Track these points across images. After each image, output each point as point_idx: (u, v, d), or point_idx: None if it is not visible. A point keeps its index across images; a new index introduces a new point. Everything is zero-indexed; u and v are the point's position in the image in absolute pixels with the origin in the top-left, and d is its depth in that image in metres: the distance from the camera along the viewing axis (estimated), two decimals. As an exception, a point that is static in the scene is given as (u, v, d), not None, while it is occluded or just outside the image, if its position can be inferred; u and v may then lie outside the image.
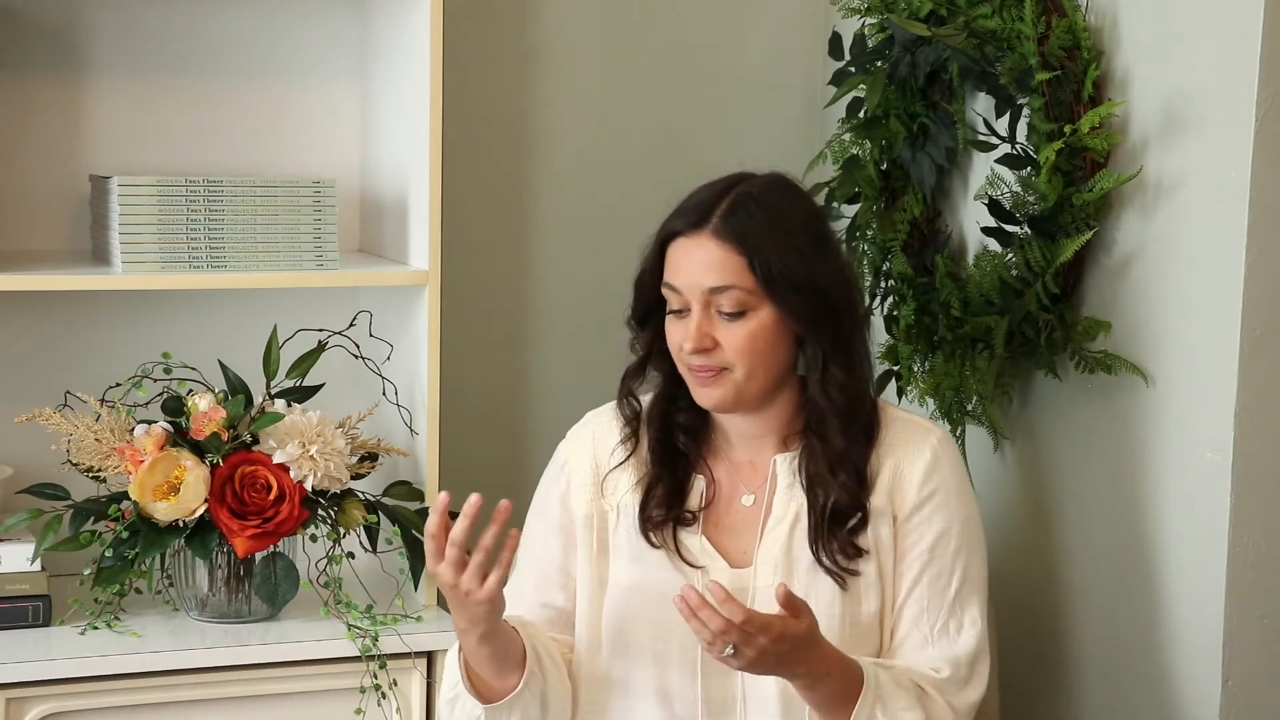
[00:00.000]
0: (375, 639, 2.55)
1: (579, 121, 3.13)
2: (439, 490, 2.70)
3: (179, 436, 2.57)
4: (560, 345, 3.14)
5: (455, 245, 2.95)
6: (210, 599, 2.61)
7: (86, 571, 2.55)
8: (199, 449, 2.55)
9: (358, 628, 2.57)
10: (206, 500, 2.52)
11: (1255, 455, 2.36)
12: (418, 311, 2.71)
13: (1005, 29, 2.59)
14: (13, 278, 2.55)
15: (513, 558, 2.15)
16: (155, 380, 2.62)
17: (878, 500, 2.26)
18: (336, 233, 2.68)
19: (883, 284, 2.86)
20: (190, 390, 2.62)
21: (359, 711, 2.56)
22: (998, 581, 2.64)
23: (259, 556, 2.60)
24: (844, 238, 2.84)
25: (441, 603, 2.70)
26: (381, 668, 2.56)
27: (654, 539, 2.29)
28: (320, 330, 2.73)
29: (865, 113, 2.82)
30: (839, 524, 2.25)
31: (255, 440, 2.58)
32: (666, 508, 2.29)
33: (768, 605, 2.23)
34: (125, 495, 2.54)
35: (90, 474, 2.58)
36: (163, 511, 2.52)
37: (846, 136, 2.92)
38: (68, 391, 2.63)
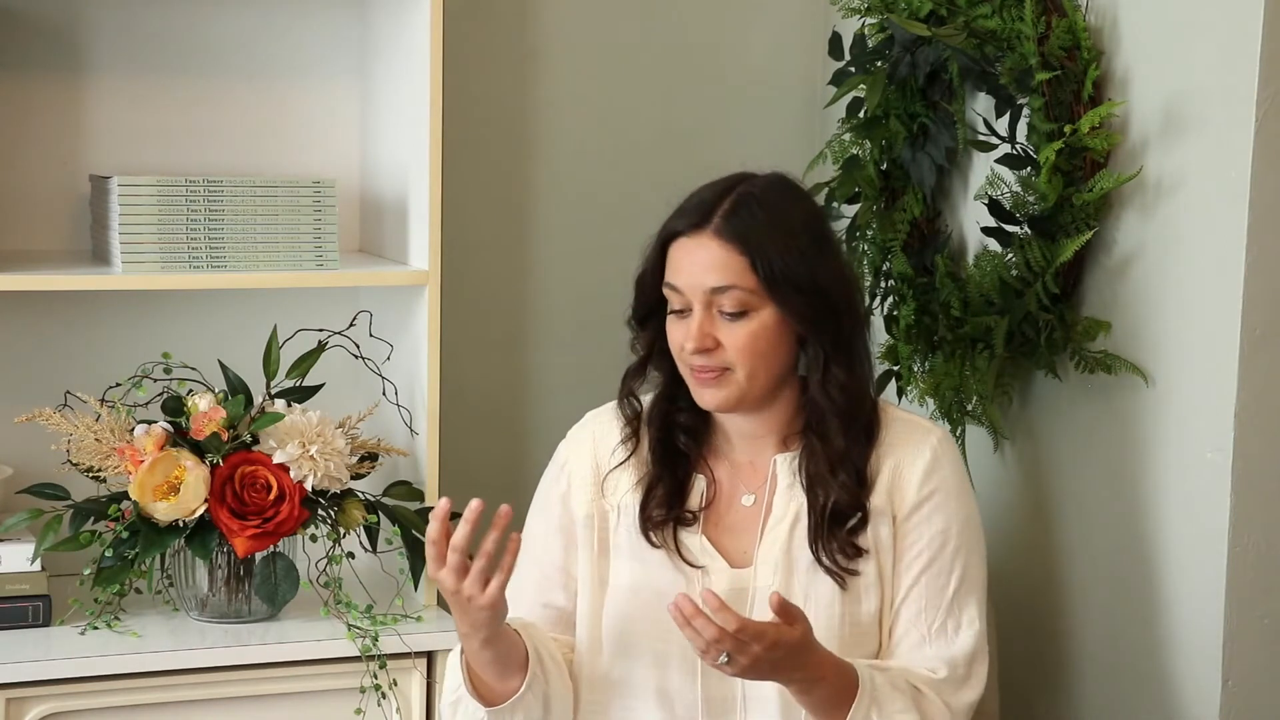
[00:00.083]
0: (375, 639, 2.55)
1: (579, 121, 3.13)
2: (439, 490, 2.71)
3: (179, 436, 2.57)
4: (560, 345, 3.14)
5: (455, 245, 2.95)
6: (210, 599, 2.61)
7: (86, 571, 2.55)
8: (199, 449, 2.55)
9: (358, 628, 2.57)
10: (206, 500, 2.52)
11: (1255, 455, 2.36)
12: (418, 311, 2.71)
13: (1005, 29, 2.59)
14: (13, 278, 2.55)
15: (514, 563, 2.14)
16: (155, 380, 2.62)
17: (877, 500, 2.26)
18: (336, 233, 2.68)
19: (883, 284, 2.86)
20: (190, 390, 2.62)
21: (359, 711, 2.56)
22: (998, 581, 2.64)
23: (259, 556, 2.59)
24: (844, 238, 2.84)
25: (442, 603, 2.70)
26: (381, 668, 2.56)
27: (654, 539, 2.29)
28: (320, 330, 2.73)
29: (865, 113, 2.82)
30: (839, 524, 2.25)
31: (255, 440, 2.58)
32: (667, 508, 2.29)
33: (767, 605, 2.23)
34: (125, 495, 2.54)
35: (90, 474, 2.58)
36: (163, 511, 2.52)
37: (846, 136, 2.92)
38: (68, 391, 2.63)
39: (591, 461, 2.36)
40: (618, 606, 2.30)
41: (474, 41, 3.03)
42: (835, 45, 2.91)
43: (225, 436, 2.55)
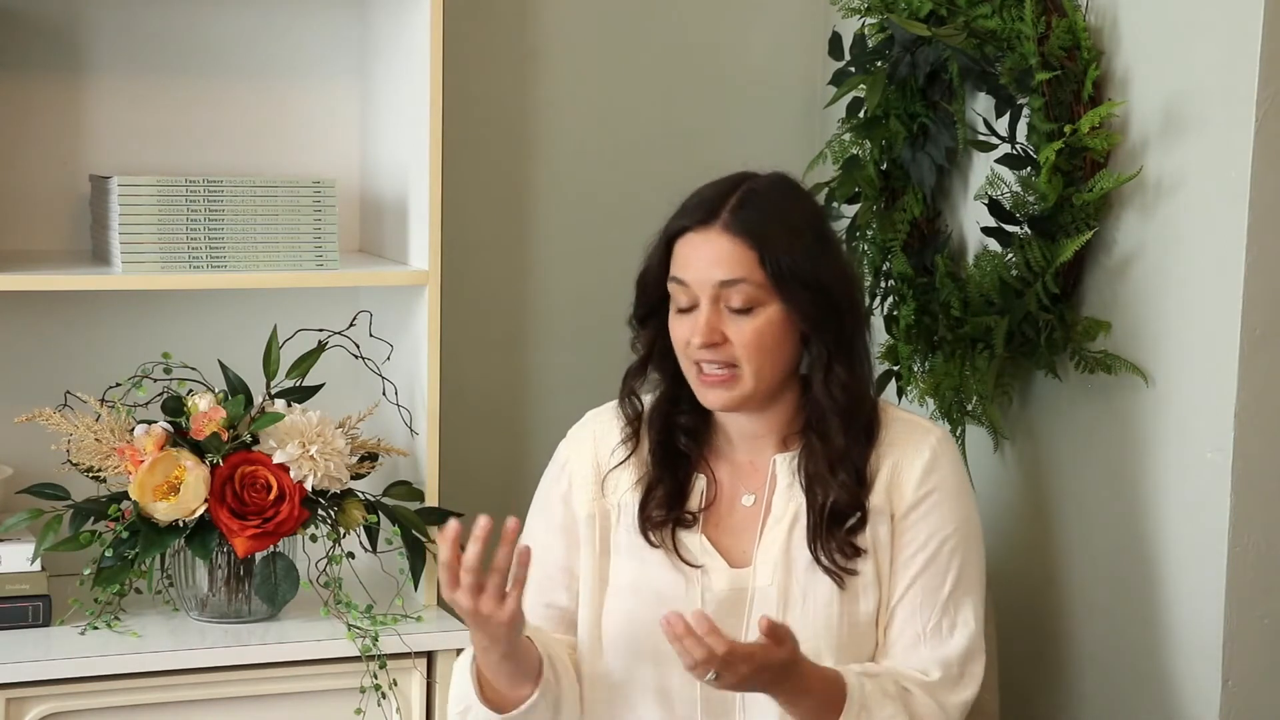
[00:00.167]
0: (375, 639, 2.55)
1: (579, 121, 3.13)
2: (439, 490, 2.71)
3: (179, 436, 2.57)
4: (560, 345, 3.14)
5: (455, 245, 2.95)
6: (210, 599, 2.61)
7: (86, 571, 2.55)
8: (199, 449, 2.55)
9: (358, 628, 2.57)
10: (206, 500, 2.52)
11: (1255, 455, 2.36)
12: (418, 311, 2.71)
13: (1005, 29, 2.59)
14: (13, 278, 2.55)
15: (526, 575, 2.13)
16: (155, 380, 2.62)
17: (876, 499, 2.26)
18: (336, 233, 2.68)
19: (883, 284, 2.86)
20: (190, 390, 2.62)
21: (359, 711, 2.56)
22: (998, 581, 2.64)
23: (259, 556, 2.59)
24: (844, 238, 2.84)
25: (442, 603, 2.70)
26: (381, 668, 2.56)
27: (653, 539, 2.29)
28: (320, 330, 2.72)
29: (865, 113, 2.82)
30: (838, 523, 2.25)
31: (255, 440, 2.58)
32: (666, 509, 2.29)
33: (766, 605, 2.24)
34: (125, 495, 2.54)
35: (90, 474, 2.58)
36: (163, 511, 2.52)
37: (846, 136, 2.92)
38: (68, 391, 2.63)
39: (592, 461, 2.36)
40: (618, 606, 2.30)
41: (474, 41, 3.03)
42: (835, 45, 2.91)
43: (225, 436, 2.55)
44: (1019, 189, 2.64)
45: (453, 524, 2.11)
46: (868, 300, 2.84)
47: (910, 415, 2.34)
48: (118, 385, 2.61)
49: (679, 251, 2.24)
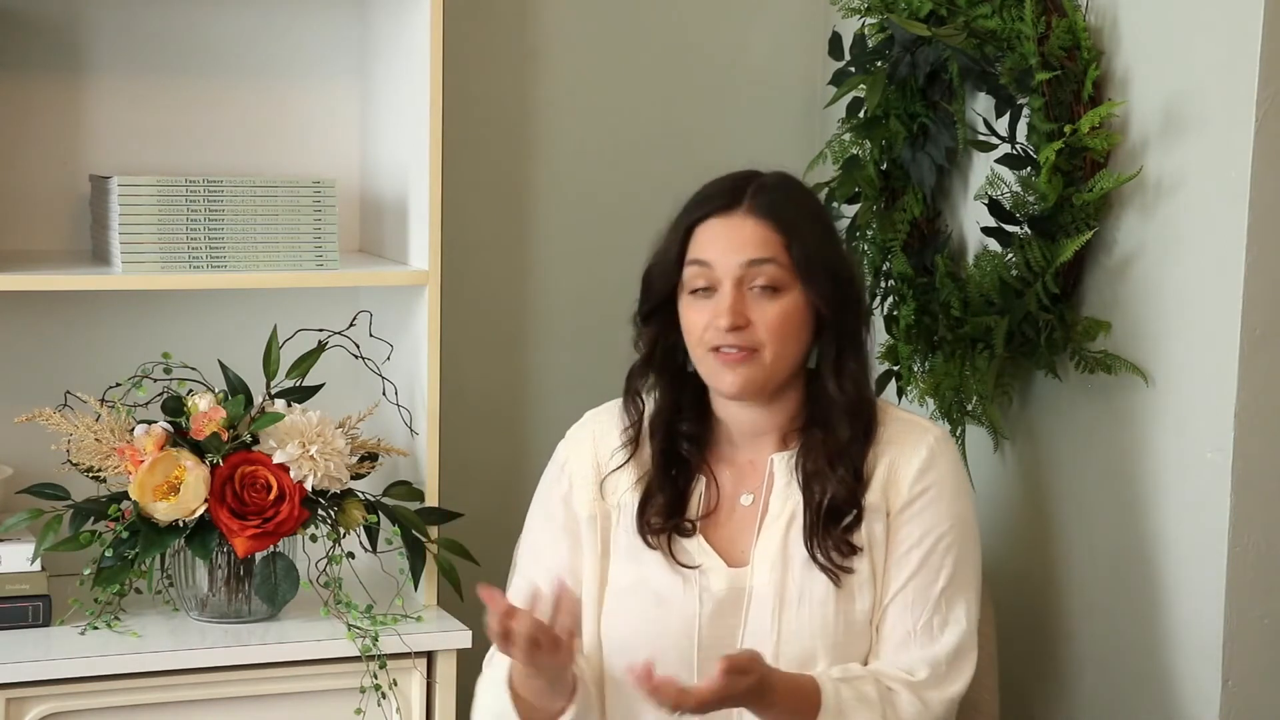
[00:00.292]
0: (375, 639, 2.55)
1: (579, 121, 3.13)
2: (439, 490, 2.71)
3: (179, 436, 2.57)
4: (560, 345, 3.14)
5: (455, 245, 2.95)
6: (210, 599, 2.61)
7: (86, 571, 2.55)
8: (199, 449, 2.55)
9: (358, 628, 2.57)
10: (206, 500, 2.52)
11: (1255, 455, 2.36)
12: (418, 311, 2.71)
13: (1005, 29, 2.59)
14: (13, 278, 2.55)
15: (575, 624, 2.11)
16: (155, 380, 2.62)
17: (872, 497, 2.27)
18: (336, 233, 2.68)
19: (883, 284, 2.86)
20: (190, 390, 2.62)
21: (359, 711, 2.56)
22: (998, 581, 2.64)
23: (259, 556, 2.59)
24: (844, 238, 2.84)
25: (442, 603, 2.71)
26: (381, 668, 2.56)
27: (651, 541, 2.29)
28: (320, 330, 2.72)
29: (865, 113, 2.82)
30: (834, 520, 2.25)
31: (255, 440, 2.58)
32: (665, 517, 2.29)
33: (764, 605, 2.24)
34: (125, 495, 2.54)
35: (90, 474, 2.58)
36: (163, 511, 2.52)
37: (846, 136, 2.92)
38: (68, 391, 2.63)
39: (592, 461, 2.36)
40: (617, 607, 2.30)
41: (474, 41, 3.03)
42: (835, 45, 2.91)
43: (225, 436, 2.55)
44: (1019, 189, 2.63)
45: (502, 602, 2.07)
46: (868, 300, 2.84)
47: (909, 415, 2.34)
48: (118, 385, 2.61)
49: (701, 236, 2.25)
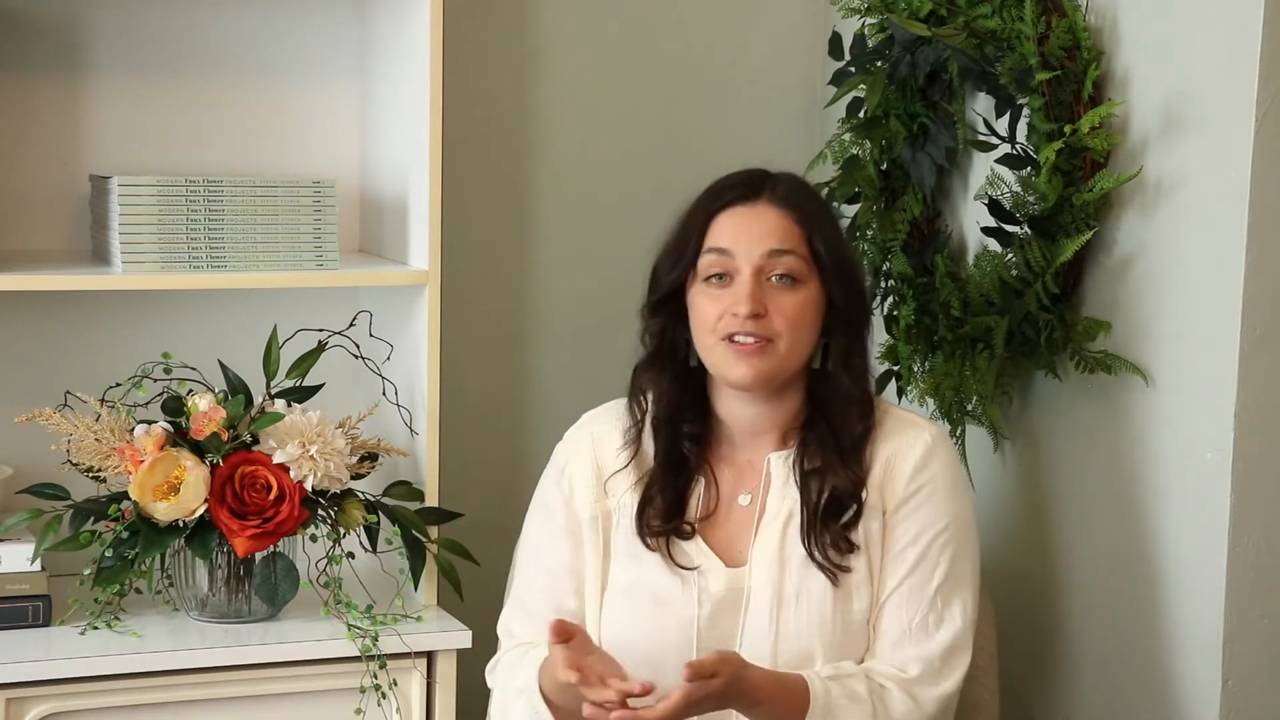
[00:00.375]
0: (375, 639, 2.55)
1: (579, 121, 3.13)
2: (439, 490, 2.71)
3: (179, 436, 2.57)
4: (560, 345, 3.14)
5: (455, 245, 2.95)
6: (210, 599, 2.61)
7: (86, 571, 2.55)
8: (199, 449, 2.55)
9: (358, 628, 2.57)
10: (206, 500, 2.52)
11: (1255, 455, 2.36)
12: (418, 311, 2.71)
13: (1005, 29, 2.59)
14: (13, 278, 2.55)
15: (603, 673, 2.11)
16: (155, 380, 2.62)
17: (870, 496, 2.27)
18: (336, 233, 2.68)
19: (883, 284, 2.86)
20: (190, 390, 2.62)
21: (359, 711, 2.56)
22: (998, 581, 2.64)
23: (259, 556, 2.59)
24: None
25: (442, 603, 2.71)
26: (381, 668, 2.56)
27: (650, 543, 2.29)
28: (320, 330, 2.72)
29: (865, 113, 2.82)
30: (833, 516, 2.25)
31: (255, 440, 2.58)
32: (665, 519, 2.29)
33: (762, 605, 2.24)
34: (125, 495, 2.54)
35: (90, 474, 2.58)
36: (163, 511, 2.52)
37: (846, 136, 2.92)
38: (68, 391, 2.63)
39: (592, 463, 2.36)
40: (616, 608, 2.30)
41: (474, 41, 3.03)
42: (835, 45, 2.91)
43: (225, 436, 2.55)
44: (1019, 189, 2.63)
45: (570, 673, 2.07)
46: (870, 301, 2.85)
47: (908, 414, 2.35)
48: (118, 385, 2.61)
49: (720, 224, 2.26)
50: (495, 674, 2.37)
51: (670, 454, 2.32)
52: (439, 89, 2.65)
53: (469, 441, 3.03)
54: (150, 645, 2.52)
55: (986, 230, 2.67)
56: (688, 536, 2.29)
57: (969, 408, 2.75)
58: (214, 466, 2.53)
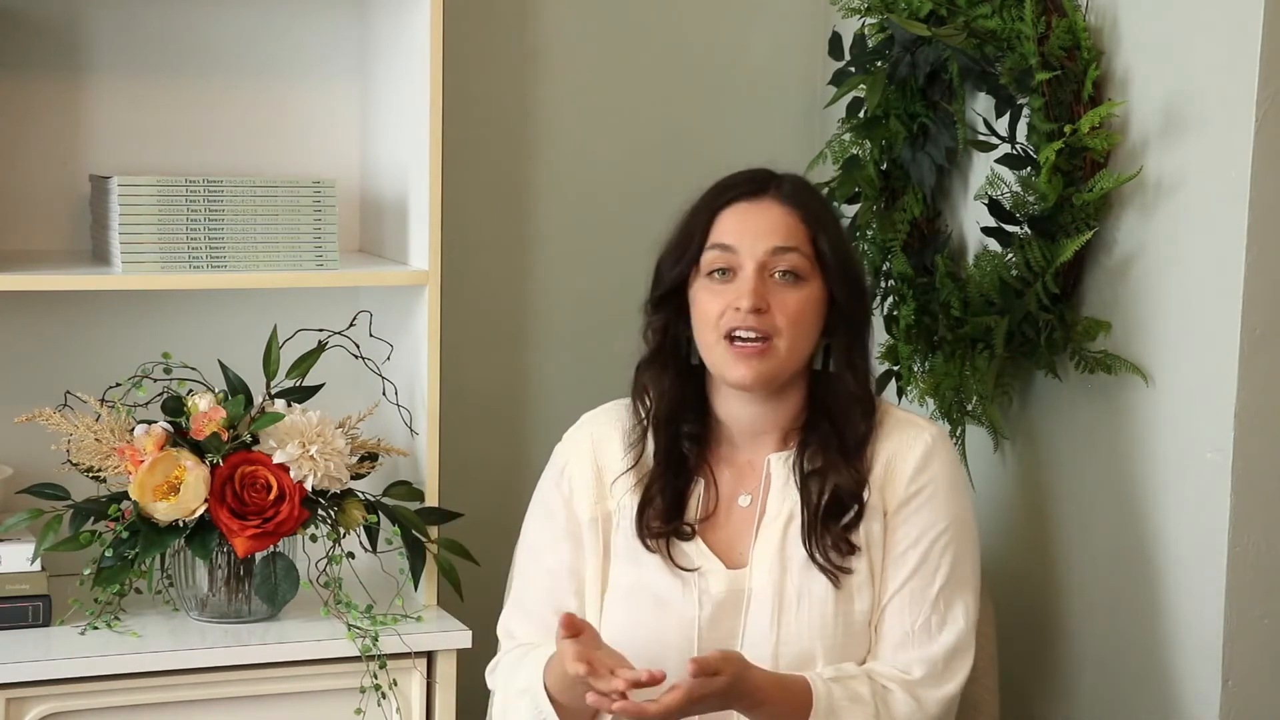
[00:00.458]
0: (375, 639, 2.55)
1: (579, 121, 3.13)
2: (439, 490, 2.70)
3: (179, 436, 2.57)
4: (560, 345, 3.14)
5: (455, 245, 2.95)
6: (210, 599, 2.61)
7: (86, 571, 2.55)
8: (199, 449, 2.55)
9: (358, 628, 2.57)
10: (206, 500, 2.52)
11: (1255, 455, 2.36)
12: (418, 311, 2.71)
13: (1005, 29, 2.59)
14: (13, 278, 2.55)
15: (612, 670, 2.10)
16: (155, 380, 2.62)
17: (871, 496, 2.27)
18: (336, 233, 2.68)
19: (883, 284, 2.86)
20: (190, 390, 2.62)
21: (359, 711, 2.56)
22: (998, 581, 2.64)
23: (259, 556, 2.59)
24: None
25: (442, 603, 2.71)
26: (381, 668, 2.56)
27: (650, 544, 2.29)
28: (320, 330, 2.72)
29: (865, 113, 2.82)
30: (835, 517, 2.25)
31: (255, 440, 2.58)
32: (664, 520, 2.29)
33: (763, 606, 2.24)
34: (125, 495, 2.54)
35: (90, 474, 2.58)
36: (163, 511, 2.52)
37: (846, 136, 2.92)
38: (68, 391, 2.63)
39: (592, 465, 2.35)
40: (616, 608, 2.30)
41: (474, 41, 3.03)
42: (835, 45, 2.91)
43: (225, 436, 2.55)
44: (1019, 189, 2.63)
45: (578, 667, 2.07)
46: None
47: (908, 414, 2.35)
48: (118, 385, 2.61)
49: (725, 219, 2.26)
50: (496, 675, 2.37)
51: (670, 453, 2.32)
52: (439, 89, 2.65)
53: (469, 441, 3.03)
54: (150, 645, 2.52)
55: (986, 230, 2.67)
56: (688, 538, 2.29)
57: (969, 408, 2.75)
58: (214, 466, 2.53)
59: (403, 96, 2.76)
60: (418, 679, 2.60)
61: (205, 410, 2.56)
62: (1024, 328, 2.61)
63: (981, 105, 2.76)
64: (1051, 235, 2.56)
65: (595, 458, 2.36)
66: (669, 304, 2.31)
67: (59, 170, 2.84)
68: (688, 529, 2.29)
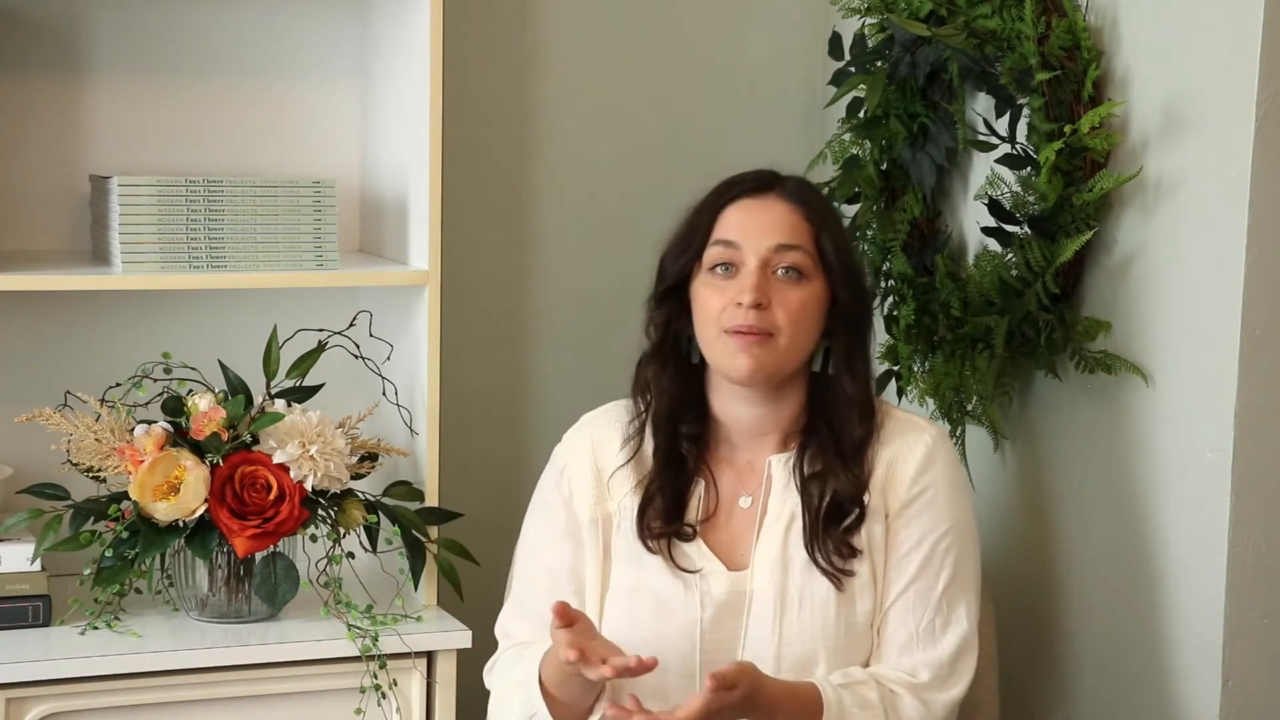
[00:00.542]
0: (375, 639, 2.55)
1: (579, 121, 3.13)
2: (439, 490, 2.70)
3: (179, 436, 2.57)
4: (560, 345, 3.14)
5: (455, 245, 2.95)
6: (210, 599, 2.61)
7: (86, 571, 2.55)
8: (199, 449, 2.55)
9: (358, 628, 2.57)
10: (206, 500, 2.52)
11: (1255, 455, 2.36)
12: (418, 311, 2.71)
13: (1005, 29, 2.59)
14: (13, 278, 2.55)
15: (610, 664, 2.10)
16: (155, 380, 2.62)
17: (872, 498, 2.27)
18: (336, 233, 2.68)
19: (883, 284, 2.86)
20: (190, 390, 2.62)
21: (359, 711, 2.56)
22: (998, 581, 2.64)
23: (259, 556, 2.59)
24: (845, 239, 2.85)
25: (442, 603, 2.71)
26: (381, 668, 2.56)
27: (651, 546, 2.29)
28: (320, 330, 2.72)
29: (865, 113, 2.82)
30: (835, 521, 2.25)
31: (255, 440, 2.58)
32: (665, 521, 2.29)
33: (765, 608, 2.24)
34: (125, 495, 2.54)
35: (90, 474, 2.58)
36: (163, 511, 2.52)
37: (846, 136, 2.92)
38: (68, 391, 2.63)
39: (591, 465, 2.35)
40: (617, 609, 2.30)
41: (474, 41, 3.03)
42: (835, 45, 2.91)
43: (225, 436, 2.55)
44: (1019, 189, 2.64)
45: (570, 652, 2.08)
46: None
47: (908, 415, 2.34)
48: (118, 385, 2.61)
49: (729, 216, 2.26)
50: (493, 674, 2.37)
51: (669, 452, 2.32)
52: (439, 89, 2.65)
53: (469, 441, 3.03)
54: (150, 645, 2.52)
55: (986, 230, 2.67)
56: (689, 539, 2.29)
57: (969, 408, 2.75)
58: (214, 466, 2.53)
59: (403, 96, 2.76)
60: (418, 679, 2.60)
61: (205, 410, 2.56)
62: (1024, 328, 2.61)
63: (981, 105, 2.76)
64: (1051, 235, 2.56)
65: (595, 459, 2.35)
66: (672, 300, 2.31)
67: (59, 170, 2.84)
68: (689, 530, 2.29)
